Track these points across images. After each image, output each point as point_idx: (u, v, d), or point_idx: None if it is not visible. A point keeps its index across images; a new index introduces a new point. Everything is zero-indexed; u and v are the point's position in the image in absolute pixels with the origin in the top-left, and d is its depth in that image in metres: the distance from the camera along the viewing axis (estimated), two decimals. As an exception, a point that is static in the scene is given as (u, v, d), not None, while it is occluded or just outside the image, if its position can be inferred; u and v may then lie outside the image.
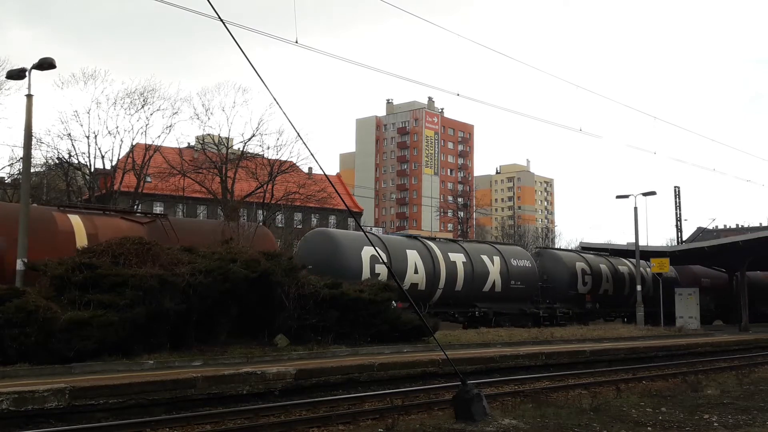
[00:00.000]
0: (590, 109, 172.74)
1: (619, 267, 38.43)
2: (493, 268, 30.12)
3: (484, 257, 29.94)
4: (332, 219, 67.55)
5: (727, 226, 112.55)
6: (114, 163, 43.42)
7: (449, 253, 28.50)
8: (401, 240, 28.43)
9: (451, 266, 28.20)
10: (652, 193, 36.81)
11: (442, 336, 20.94)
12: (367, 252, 24.58)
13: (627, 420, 10.68)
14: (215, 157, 47.42)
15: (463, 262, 28.71)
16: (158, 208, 59.88)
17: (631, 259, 38.20)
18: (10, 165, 41.16)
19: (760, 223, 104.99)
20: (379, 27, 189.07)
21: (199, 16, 13.61)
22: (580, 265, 35.49)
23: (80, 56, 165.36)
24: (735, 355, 25.08)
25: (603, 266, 37.25)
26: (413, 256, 26.53)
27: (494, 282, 29.80)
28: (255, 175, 47.32)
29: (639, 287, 35.40)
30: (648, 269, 38.05)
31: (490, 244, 33.75)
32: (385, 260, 24.05)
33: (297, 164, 49.21)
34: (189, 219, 40.07)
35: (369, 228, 74.97)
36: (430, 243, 28.71)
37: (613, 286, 37.43)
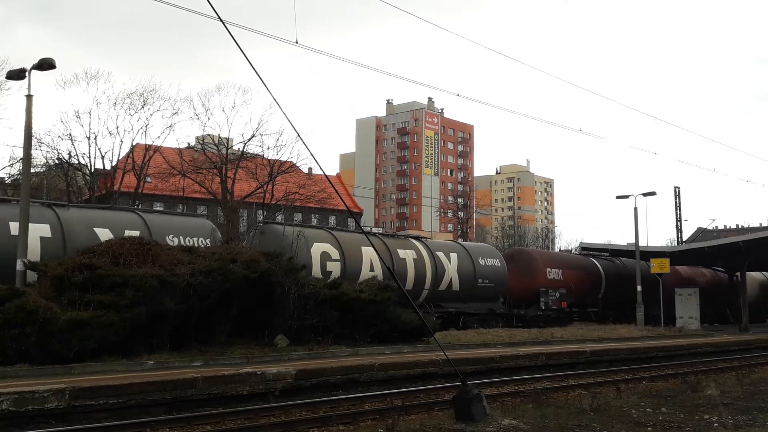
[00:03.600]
0: (590, 110, 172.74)
1: (400, 251, 26.93)
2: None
3: (131, 233, 19.29)
4: (332, 219, 67.55)
5: (727, 227, 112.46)
6: (114, 163, 43.42)
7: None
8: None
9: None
10: (652, 193, 36.88)
11: (442, 336, 20.96)
12: None
13: (627, 420, 10.68)
14: (215, 158, 47.44)
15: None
16: (158, 209, 59.96)
17: (426, 241, 29.59)
18: (11, 165, 41.23)
19: (760, 224, 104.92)
20: (379, 27, 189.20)
21: (204, 16, 13.56)
22: (321, 246, 24.11)
23: (87, 56, 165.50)
24: (735, 355, 25.09)
25: (367, 249, 24.99)
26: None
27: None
28: (255, 176, 47.34)
29: (639, 287, 35.41)
30: (437, 253, 28.01)
31: (137, 213, 22.00)
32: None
33: (297, 164, 49.24)
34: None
35: (369, 228, 74.96)
36: (62, 210, 19.45)
37: (384, 277, 24.75)
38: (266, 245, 21.69)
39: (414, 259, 27.43)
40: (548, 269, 34.99)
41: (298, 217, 54.35)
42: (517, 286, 32.66)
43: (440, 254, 28.66)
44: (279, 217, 41.39)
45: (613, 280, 38.33)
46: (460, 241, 34.51)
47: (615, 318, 36.71)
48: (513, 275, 32.51)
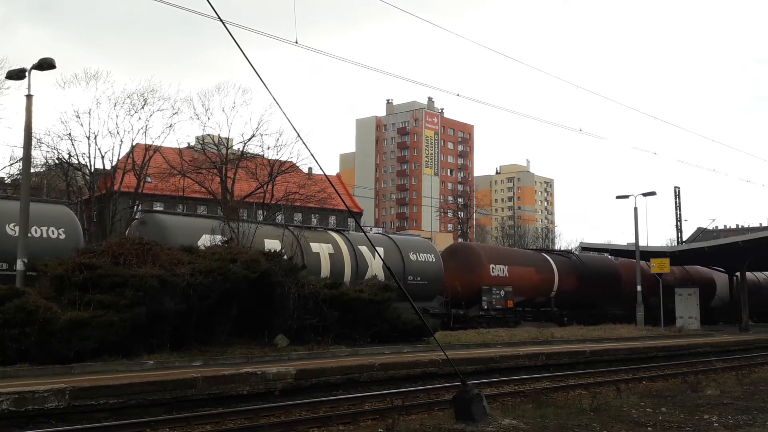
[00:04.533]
0: (590, 110, 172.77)
1: (312, 244, 24.42)
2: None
3: None
4: (332, 219, 67.56)
5: (727, 227, 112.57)
6: (114, 163, 43.46)
7: None
8: None
9: None
10: (652, 193, 36.91)
11: (442, 336, 20.97)
12: None
13: (627, 420, 10.68)
14: (215, 157, 47.44)
15: None
16: (158, 209, 59.94)
17: (347, 234, 26.88)
18: (11, 165, 41.26)
19: (760, 223, 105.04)
20: (379, 27, 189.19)
21: (204, 16, 13.56)
22: (211, 239, 21.36)
23: (87, 56, 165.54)
24: (735, 355, 25.09)
25: (272, 242, 22.57)
26: None
27: None
28: (255, 175, 47.34)
29: (639, 287, 35.41)
30: (358, 247, 25.58)
31: None
32: None
33: (297, 164, 49.24)
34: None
35: (369, 228, 74.97)
36: None
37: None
38: (147, 236, 19.48)
39: (330, 253, 24.88)
40: (492, 265, 32.20)
41: (298, 217, 54.37)
42: (457, 284, 30.00)
43: (363, 248, 25.91)
44: (279, 218, 41.40)
45: (569, 278, 36.01)
46: (390, 234, 31.50)
47: (571, 319, 34.81)
48: (453, 272, 30.21)
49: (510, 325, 30.90)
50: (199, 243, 20.52)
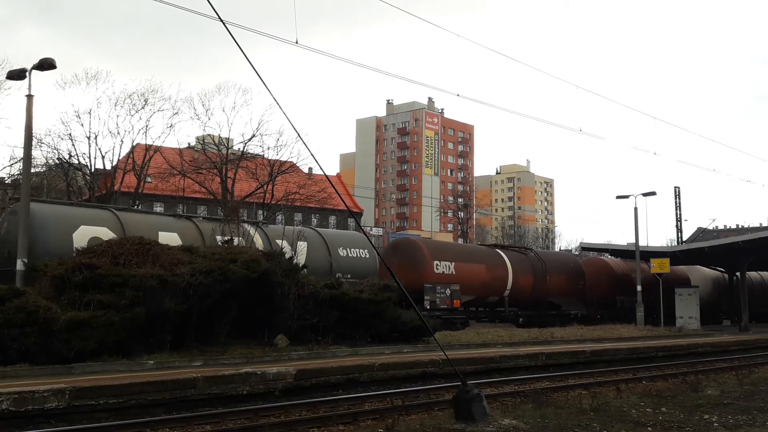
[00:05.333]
0: (590, 110, 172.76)
1: (219, 238, 20.54)
2: None
3: None
4: (332, 219, 67.59)
5: (727, 226, 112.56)
6: (114, 163, 43.48)
7: None
8: None
9: None
10: (652, 193, 36.95)
11: (442, 336, 20.98)
12: None
13: (627, 420, 10.68)
14: (215, 158, 47.48)
15: None
16: (158, 209, 59.96)
17: (266, 227, 24.81)
18: (11, 165, 41.30)
19: (760, 223, 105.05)
20: (380, 27, 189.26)
21: (205, 16, 13.59)
22: (91, 230, 18.95)
23: (88, 56, 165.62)
24: (735, 355, 25.09)
25: (168, 235, 20.46)
26: None
27: None
28: (255, 176, 47.37)
29: (639, 287, 35.41)
30: (277, 241, 23.15)
31: None
32: None
33: (297, 164, 49.28)
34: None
35: (369, 228, 74.97)
36: None
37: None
38: (16, 228, 17.84)
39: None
40: (436, 262, 29.72)
41: (298, 217, 54.40)
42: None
43: (282, 243, 23.19)
44: (279, 217, 41.40)
45: (525, 276, 33.39)
46: (317, 227, 29.27)
47: (527, 320, 32.45)
48: (393, 269, 27.00)
49: (457, 327, 28.49)
50: (76, 235, 18.42)
